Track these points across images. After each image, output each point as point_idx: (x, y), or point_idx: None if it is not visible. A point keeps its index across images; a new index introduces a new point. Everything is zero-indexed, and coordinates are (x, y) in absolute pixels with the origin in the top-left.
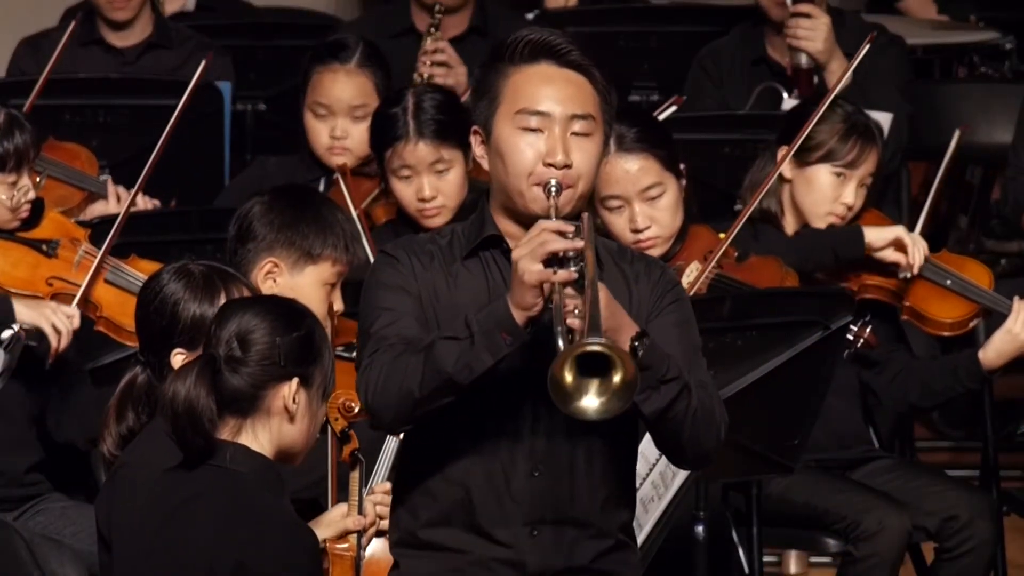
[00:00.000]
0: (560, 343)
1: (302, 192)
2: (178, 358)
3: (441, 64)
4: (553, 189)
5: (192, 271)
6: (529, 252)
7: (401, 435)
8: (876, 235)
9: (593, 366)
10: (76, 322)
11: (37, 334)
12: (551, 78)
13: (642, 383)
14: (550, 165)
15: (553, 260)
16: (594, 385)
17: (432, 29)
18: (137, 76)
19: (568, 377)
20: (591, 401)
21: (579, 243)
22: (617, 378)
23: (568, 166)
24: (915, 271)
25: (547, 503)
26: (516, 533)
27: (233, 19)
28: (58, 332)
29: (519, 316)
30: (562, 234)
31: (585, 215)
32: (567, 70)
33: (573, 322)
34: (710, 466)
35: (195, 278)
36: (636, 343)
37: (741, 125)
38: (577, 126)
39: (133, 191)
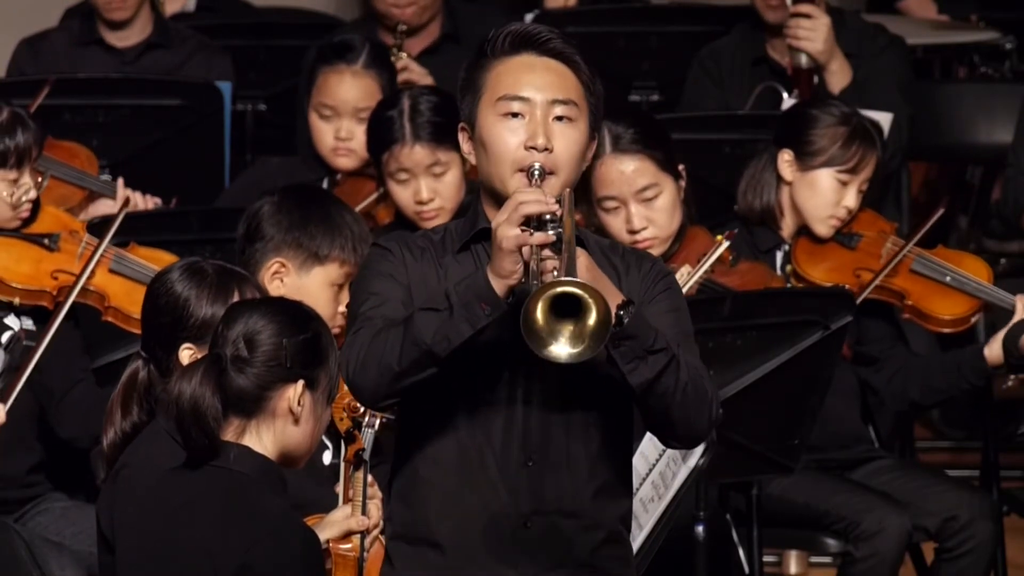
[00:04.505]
0: None
1: (312, 192)
2: (186, 353)
3: (407, 83)
4: (536, 173)
5: (205, 269)
6: (506, 217)
7: (377, 426)
8: None
9: (567, 310)
10: (2, 417)
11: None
12: (532, 66)
13: (629, 353)
14: (531, 148)
15: (532, 226)
16: (568, 329)
17: (395, 50)
18: (137, 76)
19: (540, 318)
20: (563, 347)
21: (555, 205)
22: (591, 319)
23: (549, 150)
24: None
25: (541, 494)
26: (511, 526)
27: (233, 19)
28: None
29: (498, 285)
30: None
31: (567, 190)
32: (548, 59)
33: (549, 279)
34: (698, 445)
35: (208, 276)
36: (621, 311)
37: (741, 125)
38: (559, 110)
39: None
